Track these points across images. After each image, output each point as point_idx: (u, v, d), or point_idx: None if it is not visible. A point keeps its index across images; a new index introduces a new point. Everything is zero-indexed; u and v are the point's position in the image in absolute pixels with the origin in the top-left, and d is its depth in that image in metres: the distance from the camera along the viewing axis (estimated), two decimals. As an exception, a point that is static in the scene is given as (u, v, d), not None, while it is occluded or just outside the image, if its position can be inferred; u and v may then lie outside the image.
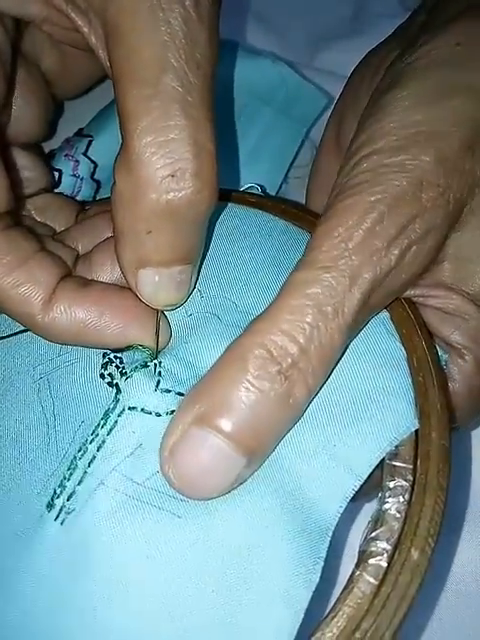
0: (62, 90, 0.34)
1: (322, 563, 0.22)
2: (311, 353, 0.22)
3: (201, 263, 0.28)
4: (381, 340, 0.25)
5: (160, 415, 0.25)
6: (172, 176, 0.23)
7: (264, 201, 0.31)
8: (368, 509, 0.29)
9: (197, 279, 0.28)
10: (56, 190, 0.38)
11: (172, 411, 0.25)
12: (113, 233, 0.26)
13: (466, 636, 0.32)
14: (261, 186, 0.33)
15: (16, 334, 0.29)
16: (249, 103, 0.40)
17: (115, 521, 0.23)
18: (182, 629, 0.22)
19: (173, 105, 0.23)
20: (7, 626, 0.23)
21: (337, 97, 0.34)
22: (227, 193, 0.32)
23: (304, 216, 0.30)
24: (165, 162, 0.23)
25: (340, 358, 0.24)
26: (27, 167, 0.32)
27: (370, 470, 0.23)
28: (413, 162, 0.23)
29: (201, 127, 0.24)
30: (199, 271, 0.28)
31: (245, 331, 0.23)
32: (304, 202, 0.37)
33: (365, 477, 0.22)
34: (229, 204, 0.31)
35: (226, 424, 0.22)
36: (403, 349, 0.24)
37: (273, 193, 0.41)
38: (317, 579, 0.22)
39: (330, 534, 0.22)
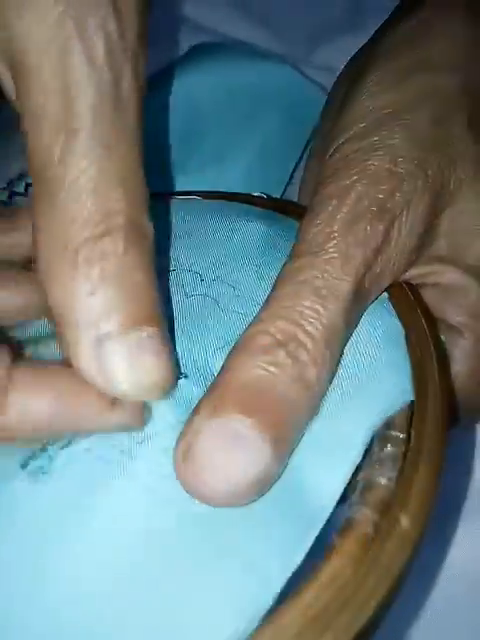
0: None
1: (307, 550, 0.19)
2: (315, 335, 0.20)
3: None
4: (379, 317, 0.23)
5: None
6: (102, 221, 0.19)
7: (266, 203, 0.30)
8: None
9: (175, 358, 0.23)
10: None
11: None
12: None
13: (461, 628, 0.29)
14: (267, 195, 0.32)
15: None
16: (252, 106, 0.39)
17: (94, 488, 0.20)
18: (143, 598, 0.19)
19: (96, 150, 0.19)
20: None
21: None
22: (231, 197, 0.30)
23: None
24: (94, 208, 0.19)
25: (347, 340, 0.22)
26: None
27: (366, 441, 0.20)
28: (384, 141, 0.23)
29: (128, 166, 0.20)
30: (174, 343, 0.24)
31: (250, 323, 0.21)
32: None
33: (362, 451, 0.20)
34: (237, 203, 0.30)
35: (245, 410, 0.19)
36: (401, 325, 0.23)
37: (278, 196, 0.40)
38: (300, 560, 0.18)
39: (325, 518, 0.19)
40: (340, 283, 0.21)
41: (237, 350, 0.20)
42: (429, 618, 0.29)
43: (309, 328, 0.20)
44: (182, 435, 0.19)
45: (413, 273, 0.24)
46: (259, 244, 0.27)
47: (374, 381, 0.21)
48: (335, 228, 0.21)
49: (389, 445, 0.20)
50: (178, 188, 0.38)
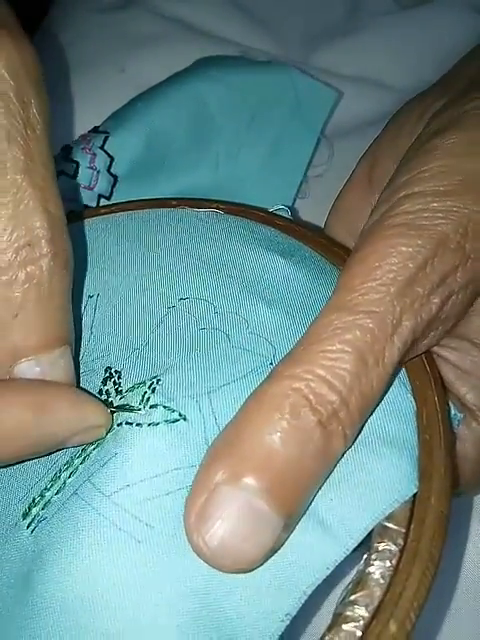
0: None
1: (288, 621, 0.19)
2: (352, 403, 0.19)
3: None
4: (392, 389, 0.22)
5: (140, 426, 0.22)
6: (29, 245, 0.21)
7: (292, 226, 0.28)
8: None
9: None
10: (73, 181, 0.35)
11: (156, 423, 0.22)
12: None
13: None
14: (290, 208, 0.30)
15: None
16: (259, 110, 0.38)
17: (73, 533, 0.21)
18: None
19: (18, 176, 0.21)
20: None
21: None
22: (250, 212, 0.29)
23: (332, 248, 0.27)
24: (20, 233, 0.21)
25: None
26: None
27: (365, 534, 0.19)
28: (461, 209, 0.20)
29: (48, 193, 0.21)
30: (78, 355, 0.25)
31: (274, 373, 0.19)
32: (322, 213, 0.33)
33: (359, 541, 0.19)
34: (257, 224, 0.28)
35: (262, 479, 0.18)
36: (414, 402, 0.21)
37: (293, 193, 0.39)
38: (278, 635, 0.19)
39: (308, 594, 0.19)
40: (387, 352, 0.19)
41: (261, 404, 0.19)
42: (451, 624, 0.29)
43: (347, 395, 0.19)
44: (194, 492, 0.19)
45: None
46: (280, 282, 0.25)
47: (379, 465, 0.20)
48: (392, 290, 0.19)
49: (387, 540, 0.19)
50: (191, 185, 0.37)
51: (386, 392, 0.21)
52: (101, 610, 0.20)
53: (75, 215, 0.31)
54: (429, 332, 0.21)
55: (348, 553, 0.19)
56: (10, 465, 0.23)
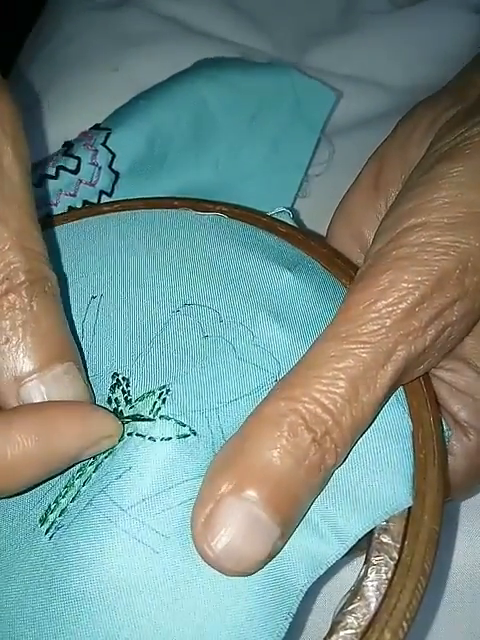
0: None
1: (291, 619, 0.20)
2: (343, 424, 0.20)
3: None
4: (389, 409, 0.23)
5: (154, 440, 0.23)
6: (8, 278, 0.22)
7: (294, 234, 0.28)
8: (348, 568, 0.27)
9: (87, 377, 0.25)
10: (75, 177, 0.35)
11: (168, 438, 0.23)
12: None
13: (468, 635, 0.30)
14: (291, 209, 0.30)
15: None
16: (260, 109, 0.38)
17: (94, 544, 0.22)
18: None
19: None
20: None
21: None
22: (254, 217, 0.29)
23: (334, 260, 0.27)
24: None
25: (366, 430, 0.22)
26: None
27: (355, 541, 0.21)
28: (462, 245, 0.21)
29: (25, 233, 0.23)
30: (86, 370, 0.25)
31: (273, 394, 0.21)
32: (323, 212, 0.33)
33: (350, 547, 0.21)
34: (261, 231, 0.28)
35: (262, 491, 0.19)
36: (410, 422, 0.22)
37: (294, 192, 0.39)
38: (283, 633, 0.20)
39: (305, 591, 0.20)
40: (379, 379, 0.20)
41: (262, 422, 0.20)
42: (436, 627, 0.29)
43: (339, 417, 0.20)
44: (201, 501, 0.20)
45: None
46: (284, 295, 0.26)
47: (375, 480, 0.21)
48: (388, 323, 0.20)
49: (382, 553, 0.20)
50: (192, 183, 0.37)
51: (379, 412, 0.22)
52: (124, 615, 0.21)
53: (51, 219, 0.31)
54: (424, 360, 0.22)
55: (339, 557, 0.21)
56: (30, 490, 0.23)
